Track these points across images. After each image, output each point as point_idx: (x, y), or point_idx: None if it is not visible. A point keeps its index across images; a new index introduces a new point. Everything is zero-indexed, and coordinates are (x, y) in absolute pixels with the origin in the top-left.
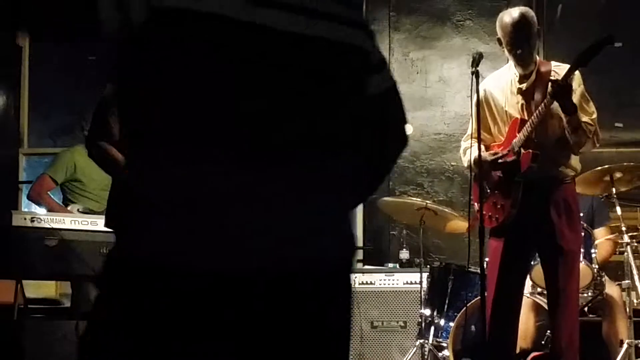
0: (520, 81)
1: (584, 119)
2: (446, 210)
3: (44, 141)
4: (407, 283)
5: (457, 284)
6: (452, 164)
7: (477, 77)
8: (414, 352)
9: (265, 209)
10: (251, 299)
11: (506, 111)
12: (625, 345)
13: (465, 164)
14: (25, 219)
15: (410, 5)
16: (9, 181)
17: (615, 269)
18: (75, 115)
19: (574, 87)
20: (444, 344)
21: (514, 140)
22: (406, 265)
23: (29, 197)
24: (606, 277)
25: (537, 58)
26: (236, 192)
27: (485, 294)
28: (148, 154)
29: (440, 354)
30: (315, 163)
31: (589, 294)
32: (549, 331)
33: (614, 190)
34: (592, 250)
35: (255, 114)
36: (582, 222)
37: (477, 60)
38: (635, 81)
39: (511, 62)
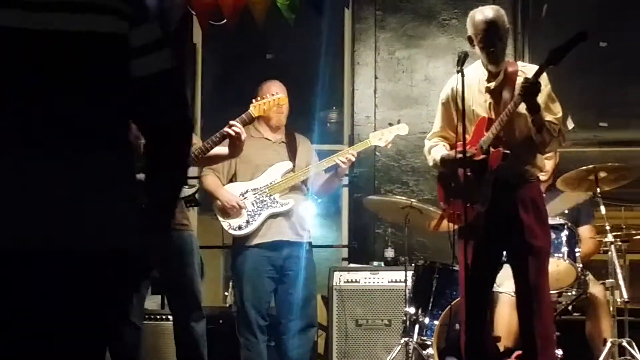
0: (489, 80)
1: (549, 118)
2: (431, 209)
3: None
4: (392, 281)
5: (441, 283)
6: None
7: (463, 76)
8: (399, 350)
9: (29, 198)
10: (21, 274)
11: (473, 110)
12: (608, 344)
13: (430, 163)
14: None
15: (396, 4)
16: None
17: (599, 268)
18: None
19: (547, 91)
20: (429, 342)
21: (482, 139)
22: (391, 264)
23: None
24: (590, 276)
25: (506, 58)
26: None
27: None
28: None
29: (424, 352)
30: (72, 154)
31: (573, 292)
32: None
33: (598, 189)
34: (576, 249)
35: (8, 110)
36: (566, 221)
37: (462, 59)
38: (619, 81)
39: (478, 61)
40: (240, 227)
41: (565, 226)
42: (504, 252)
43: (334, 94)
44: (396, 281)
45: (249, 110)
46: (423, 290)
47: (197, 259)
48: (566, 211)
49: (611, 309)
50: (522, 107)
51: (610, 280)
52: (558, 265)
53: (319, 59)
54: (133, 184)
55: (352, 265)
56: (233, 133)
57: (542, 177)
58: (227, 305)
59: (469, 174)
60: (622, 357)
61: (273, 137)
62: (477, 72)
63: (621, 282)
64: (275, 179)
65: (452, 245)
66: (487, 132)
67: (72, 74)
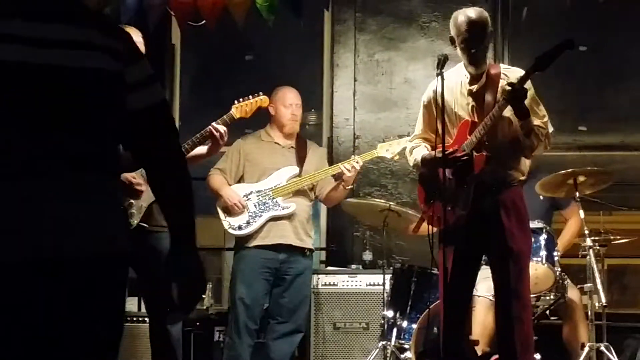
0: (471, 83)
1: (536, 122)
2: (410, 212)
3: None
4: (370, 284)
5: (419, 286)
6: None
7: (443, 79)
8: (377, 354)
9: (29, 213)
10: (20, 283)
11: (455, 112)
12: (586, 349)
13: (411, 163)
14: None
15: (376, 6)
16: None
17: (577, 272)
18: None
19: (530, 94)
20: (407, 346)
21: (465, 143)
22: (369, 267)
23: None
24: (568, 281)
25: (488, 61)
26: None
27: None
28: None
29: (402, 356)
30: (69, 178)
31: (551, 297)
32: None
33: (577, 193)
34: (555, 253)
35: (10, 138)
36: (545, 225)
37: (442, 62)
38: (599, 85)
39: (460, 64)
40: (240, 227)
41: (544, 230)
42: (484, 256)
43: (313, 96)
44: (374, 284)
45: (231, 111)
46: (401, 294)
47: None
48: (541, 197)
49: (589, 313)
50: (506, 111)
51: (589, 284)
52: (536, 269)
53: (298, 60)
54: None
55: (330, 268)
56: (217, 134)
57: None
58: (205, 307)
59: (450, 176)
60: None
61: (283, 142)
62: (459, 74)
63: (599, 286)
64: (280, 183)
65: (431, 248)
66: (471, 136)
67: (72, 109)
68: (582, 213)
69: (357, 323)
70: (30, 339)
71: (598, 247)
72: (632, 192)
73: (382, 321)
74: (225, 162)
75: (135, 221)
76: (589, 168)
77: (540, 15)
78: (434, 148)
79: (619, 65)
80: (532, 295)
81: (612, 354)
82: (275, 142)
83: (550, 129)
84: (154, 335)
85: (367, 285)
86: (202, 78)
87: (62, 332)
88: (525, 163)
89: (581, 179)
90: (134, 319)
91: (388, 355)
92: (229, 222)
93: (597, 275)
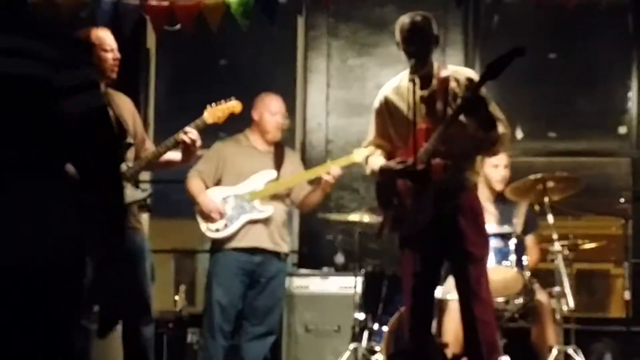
0: (422, 88)
1: (501, 129)
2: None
3: None
4: (341, 287)
5: (391, 289)
6: None
7: (415, 84)
8: (348, 356)
9: None
10: None
11: (407, 118)
12: (554, 352)
13: (368, 172)
14: None
15: (348, 12)
16: None
17: (546, 276)
18: None
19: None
20: (378, 348)
21: (421, 150)
22: (341, 270)
23: None
24: (537, 284)
25: (436, 64)
26: None
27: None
28: None
29: (373, 358)
30: (9, 185)
31: (520, 300)
32: None
33: (546, 199)
34: (523, 257)
35: None
36: (514, 230)
37: (415, 67)
38: (568, 92)
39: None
40: (217, 230)
41: (513, 235)
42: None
43: (286, 101)
44: (346, 287)
45: (203, 116)
46: (373, 297)
47: (148, 263)
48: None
49: (557, 316)
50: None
51: (557, 288)
52: (505, 273)
53: (272, 65)
54: (65, 208)
55: (302, 270)
56: (188, 140)
57: (501, 186)
58: (177, 309)
59: (409, 184)
60: None
61: (262, 147)
62: (409, 79)
63: (567, 290)
64: (258, 187)
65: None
66: (426, 144)
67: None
68: (551, 218)
69: (329, 325)
70: None
71: (567, 252)
72: (600, 198)
73: (354, 324)
74: (204, 164)
75: None
76: (558, 174)
77: (511, 22)
78: (388, 154)
79: (588, 73)
80: (501, 299)
81: (579, 357)
82: (254, 147)
83: (520, 135)
84: (126, 336)
85: (339, 288)
86: (177, 82)
87: None
88: (479, 163)
89: (550, 184)
90: None
91: (359, 357)
92: (206, 226)
93: (565, 279)
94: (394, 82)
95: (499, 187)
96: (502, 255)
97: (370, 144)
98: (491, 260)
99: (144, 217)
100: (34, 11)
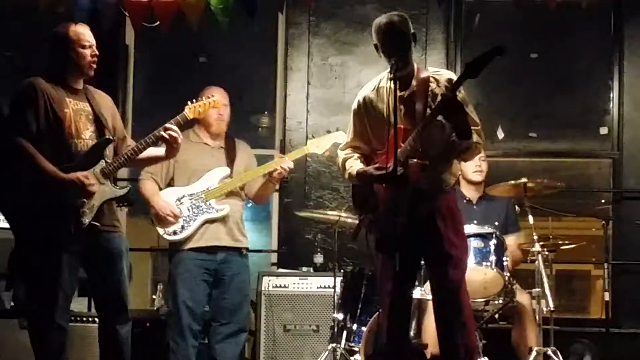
0: (401, 89)
1: (475, 138)
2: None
3: None
4: (320, 287)
5: (370, 289)
6: None
7: (396, 83)
8: (326, 356)
9: None
10: None
11: (386, 119)
12: (534, 353)
13: (346, 176)
14: None
15: (330, 10)
16: None
17: (526, 277)
18: None
19: (460, 97)
20: (356, 349)
21: (399, 150)
22: (320, 270)
23: None
24: (517, 285)
25: (416, 65)
26: None
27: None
28: None
29: (352, 358)
30: None
31: (500, 301)
32: None
33: (526, 199)
34: (504, 258)
35: None
36: (495, 230)
37: (395, 67)
38: (549, 92)
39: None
40: (175, 232)
41: (494, 235)
42: (422, 262)
43: (266, 99)
44: (325, 287)
45: (184, 112)
46: (351, 297)
47: (127, 262)
48: (496, 222)
49: (537, 317)
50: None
51: (537, 289)
52: (486, 274)
53: (252, 63)
54: None
55: (281, 270)
56: (168, 137)
57: (478, 177)
58: (155, 308)
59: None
60: None
61: (212, 143)
62: (389, 80)
63: (547, 291)
64: (212, 185)
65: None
66: (404, 144)
67: None
68: (531, 219)
69: (308, 325)
70: None
71: (547, 253)
72: (581, 199)
73: (333, 324)
74: (155, 165)
75: (87, 220)
76: (539, 180)
77: (493, 22)
78: (365, 157)
79: (569, 73)
80: (481, 300)
81: (559, 359)
82: (204, 143)
83: (501, 135)
84: (103, 335)
85: (317, 287)
86: (155, 79)
87: None
88: (457, 165)
89: (530, 185)
90: (84, 319)
91: (338, 357)
92: (163, 229)
93: (545, 280)
94: (374, 82)
95: (475, 178)
96: (482, 255)
97: (348, 146)
98: (471, 260)
99: (122, 215)
100: None
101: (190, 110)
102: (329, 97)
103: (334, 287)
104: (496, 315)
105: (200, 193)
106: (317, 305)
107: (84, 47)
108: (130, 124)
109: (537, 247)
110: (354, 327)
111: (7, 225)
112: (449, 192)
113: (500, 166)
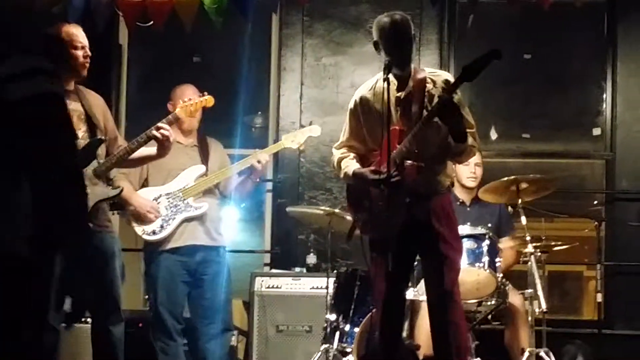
0: (398, 89)
1: (470, 141)
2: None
3: None
4: (313, 288)
5: (363, 290)
6: None
7: (389, 84)
8: (319, 357)
9: None
10: None
11: (382, 120)
12: (526, 354)
13: (341, 175)
14: None
15: (323, 11)
16: None
17: (518, 278)
18: None
19: (456, 99)
20: (349, 349)
21: (395, 152)
22: (313, 270)
23: None
24: (510, 286)
25: (413, 66)
26: None
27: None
28: None
29: (344, 359)
30: None
31: (493, 302)
32: None
33: (519, 200)
34: (497, 259)
35: None
36: (488, 231)
37: (388, 67)
38: (543, 93)
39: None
40: (154, 232)
41: (487, 236)
42: (415, 263)
43: (259, 99)
44: (318, 287)
45: (176, 111)
46: (344, 297)
47: (119, 262)
48: (489, 225)
49: (530, 318)
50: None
51: (530, 290)
52: (478, 275)
53: (246, 63)
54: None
55: (274, 270)
56: (160, 136)
57: (471, 183)
58: (148, 308)
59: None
60: None
61: (185, 141)
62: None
63: (540, 292)
64: (189, 183)
65: (364, 255)
66: (400, 145)
67: None
68: (524, 220)
69: (300, 326)
70: None
71: (539, 254)
72: (574, 200)
73: (325, 324)
74: None
75: None
76: (531, 175)
77: (486, 23)
78: (361, 157)
79: (562, 74)
80: (474, 301)
81: (551, 359)
82: (178, 142)
83: (494, 136)
84: (95, 335)
85: (310, 288)
86: (149, 79)
87: None
88: (451, 167)
89: (524, 186)
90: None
91: (330, 358)
92: (142, 229)
93: (538, 281)
94: (371, 82)
95: (469, 183)
96: (475, 256)
97: (343, 145)
98: (464, 261)
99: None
100: None
101: (182, 110)
102: (322, 98)
103: (327, 287)
104: (489, 316)
105: (178, 192)
106: (309, 305)
107: (76, 47)
108: (124, 124)
109: (529, 248)
110: (347, 327)
111: None
112: (444, 194)
113: (493, 167)
